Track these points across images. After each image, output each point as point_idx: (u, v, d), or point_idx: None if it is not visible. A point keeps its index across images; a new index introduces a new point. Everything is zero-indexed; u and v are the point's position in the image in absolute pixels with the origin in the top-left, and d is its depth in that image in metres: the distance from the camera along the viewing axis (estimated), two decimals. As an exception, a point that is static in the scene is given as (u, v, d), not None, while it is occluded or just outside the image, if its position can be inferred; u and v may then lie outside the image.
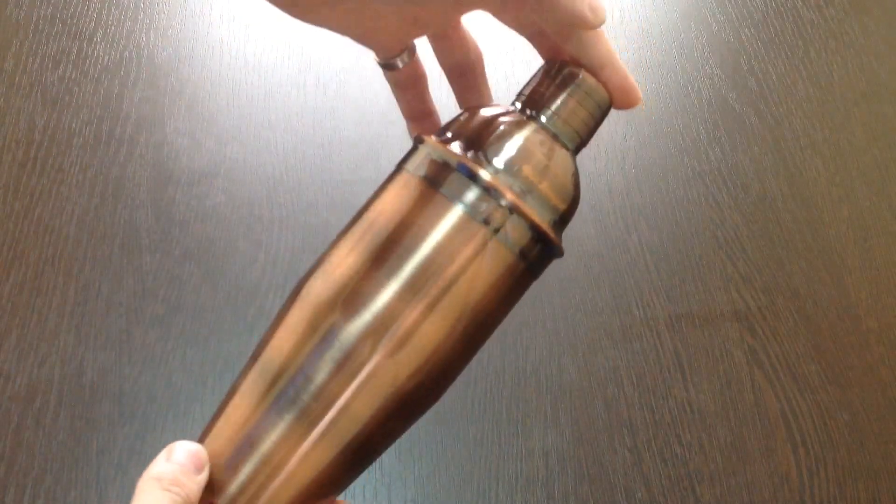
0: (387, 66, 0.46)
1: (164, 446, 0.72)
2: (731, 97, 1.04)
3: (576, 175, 0.42)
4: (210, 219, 0.88)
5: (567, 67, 0.42)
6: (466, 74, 0.47)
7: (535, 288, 0.87)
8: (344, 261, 0.40)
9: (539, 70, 0.43)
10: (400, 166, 0.42)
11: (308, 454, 0.38)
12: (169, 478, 0.37)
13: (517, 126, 0.40)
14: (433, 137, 0.41)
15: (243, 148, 0.94)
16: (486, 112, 0.41)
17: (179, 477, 0.37)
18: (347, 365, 0.38)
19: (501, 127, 0.40)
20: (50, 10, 1.04)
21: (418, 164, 0.40)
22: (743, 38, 1.11)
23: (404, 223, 0.39)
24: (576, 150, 0.42)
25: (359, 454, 0.39)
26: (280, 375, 0.38)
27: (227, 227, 0.88)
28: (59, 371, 0.77)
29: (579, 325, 0.84)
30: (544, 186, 0.40)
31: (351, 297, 0.39)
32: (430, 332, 0.38)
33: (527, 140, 0.40)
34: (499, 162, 0.39)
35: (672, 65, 1.07)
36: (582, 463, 0.76)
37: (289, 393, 0.38)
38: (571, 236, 0.91)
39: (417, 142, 0.42)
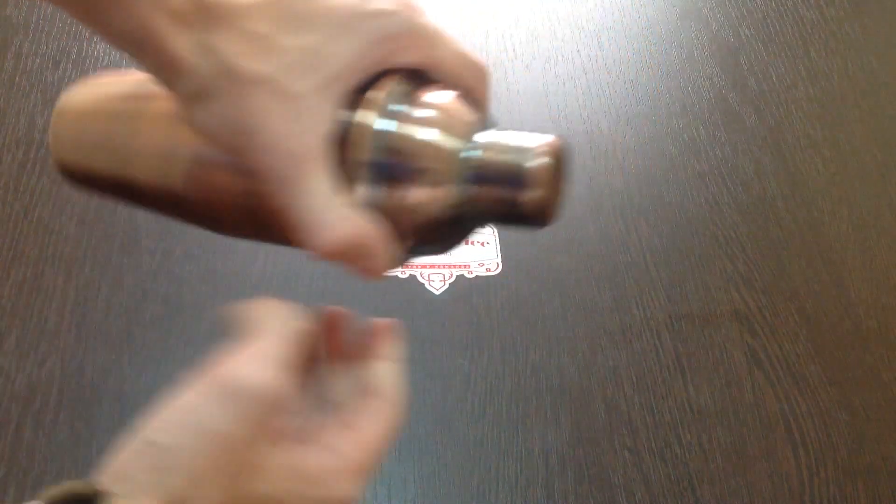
0: None
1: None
2: (731, 97, 1.04)
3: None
4: (210, 219, 0.88)
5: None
6: None
7: (536, 288, 0.87)
8: None
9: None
10: None
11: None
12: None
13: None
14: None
15: (243, 148, 0.94)
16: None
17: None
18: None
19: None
20: (50, 10, 1.04)
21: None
22: (743, 37, 1.10)
23: None
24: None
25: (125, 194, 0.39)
26: None
27: (227, 227, 0.88)
28: (59, 371, 0.77)
29: (579, 325, 0.84)
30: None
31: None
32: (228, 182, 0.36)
33: None
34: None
35: (672, 65, 1.07)
36: (582, 463, 0.76)
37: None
38: (571, 236, 0.91)
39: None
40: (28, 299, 0.81)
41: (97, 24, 0.34)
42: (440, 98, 0.35)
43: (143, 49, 0.34)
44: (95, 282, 0.83)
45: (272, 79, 0.33)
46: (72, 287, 0.82)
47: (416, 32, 0.35)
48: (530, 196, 0.33)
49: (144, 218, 0.88)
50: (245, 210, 0.38)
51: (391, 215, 0.34)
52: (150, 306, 0.82)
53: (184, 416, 0.30)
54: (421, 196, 0.34)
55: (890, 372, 0.84)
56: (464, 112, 0.35)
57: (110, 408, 0.75)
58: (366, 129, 0.33)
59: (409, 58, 0.35)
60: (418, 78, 0.35)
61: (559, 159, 0.34)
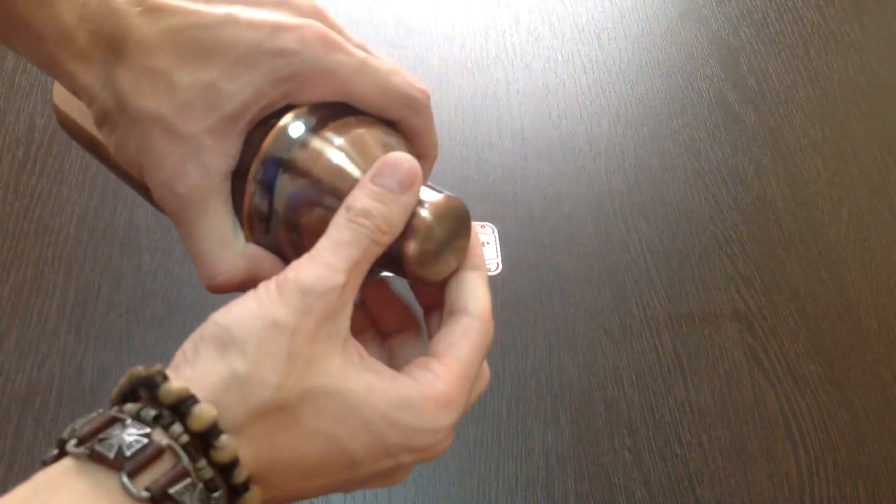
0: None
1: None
2: (731, 97, 1.04)
3: None
4: (210, 219, 0.88)
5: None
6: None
7: (536, 288, 0.87)
8: None
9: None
10: None
11: None
12: (358, 207, 0.32)
13: None
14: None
15: (243, 148, 0.94)
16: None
17: (372, 205, 0.32)
18: None
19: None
20: (50, 10, 1.04)
21: None
22: (743, 37, 1.11)
23: None
24: None
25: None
26: None
27: (227, 227, 0.88)
28: (59, 371, 0.77)
29: (579, 325, 0.84)
30: None
31: None
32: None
33: None
34: None
35: (672, 65, 1.07)
36: (582, 463, 0.76)
37: None
38: (572, 236, 0.91)
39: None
40: (28, 299, 0.81)
41: (13, 50, 0.35)
42: (344, 131, 0.34)
43: (56, 76, 0.34)
44: (95, 282, 0.83)
45: (165, 118, 0.32)
46: (72, 287, 0.82)
47: (322, 70, 0.33)
48: (405, 246, 0.33)
49: (144, 218, 0.88)
50: None
51: (285, 242, 0.35)
52: (150, 306, 0.82)
53: (244, 303, 0.30)
54: (311, 224, 0.34)
55: (890, 372, 0.84)
56: (367, 144, 0.34)
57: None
58: (258, 163, 0.34)
59: (317, 94, 0.34)
60: (342, 109, 0.35)
61: (447, 219, 0.34)
